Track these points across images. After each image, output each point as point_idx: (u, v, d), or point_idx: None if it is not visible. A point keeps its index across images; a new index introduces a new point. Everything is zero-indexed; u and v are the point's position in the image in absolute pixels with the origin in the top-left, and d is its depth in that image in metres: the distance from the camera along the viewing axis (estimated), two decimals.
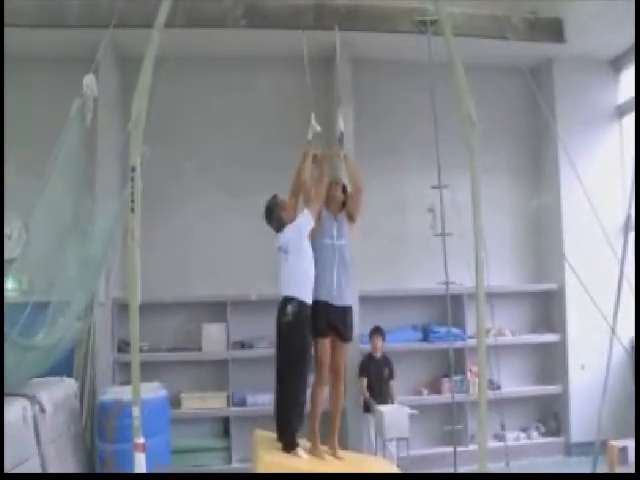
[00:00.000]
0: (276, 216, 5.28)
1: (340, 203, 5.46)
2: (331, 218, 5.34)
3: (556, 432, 8.42)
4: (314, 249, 5.15)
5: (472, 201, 4.23)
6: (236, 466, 7.56)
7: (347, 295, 5.22)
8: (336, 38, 5.87)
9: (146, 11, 4.93)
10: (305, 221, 5.11)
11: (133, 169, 4.29)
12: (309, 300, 5.06)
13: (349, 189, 5.52)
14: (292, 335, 5.00)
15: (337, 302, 5.12)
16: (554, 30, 8.14)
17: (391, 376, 7.45)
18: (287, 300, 5.03)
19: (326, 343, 5.10)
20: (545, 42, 8.18)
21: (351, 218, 5.46)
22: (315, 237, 5.19)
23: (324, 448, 5.24)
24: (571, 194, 7.95)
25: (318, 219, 5.21)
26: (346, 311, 5.23)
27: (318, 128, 5.43)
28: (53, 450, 5.14)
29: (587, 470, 5.77)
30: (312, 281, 5.07)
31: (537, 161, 8.98)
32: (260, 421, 6.40)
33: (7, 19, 7.06)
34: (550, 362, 8.65)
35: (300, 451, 4.93)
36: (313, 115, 5.28)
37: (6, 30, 7.12)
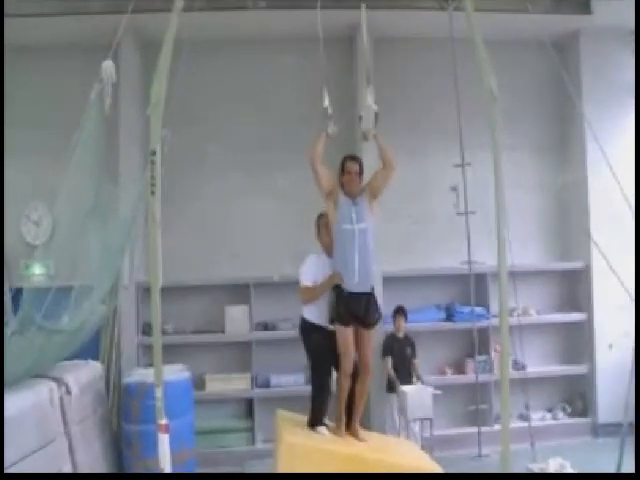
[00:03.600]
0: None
1: (358, 183, 5.08)
2: (349, 202, 4.98)
3: (583, 413, 8.34)
4: (335, 235, 5.00)
5: (494, 177, 4.15)
6: (259, 447, 7.62)
7: (369, 281, 4.97)
8: (362, 16, 5.63)
9: None
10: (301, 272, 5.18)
11: (154, 152, 4.29)
12: (313, 320, 5.14)
13: (381, 166, 5.16)
14: (304, 342, 5.23)
15: (358, 289, 4.92)
16: (579, 1, 7.94)
17: (414, 355, 7.43)
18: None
19: (347, 331, 4.89)
20: (570, 14, 7.99)
21: (374, 195, 5.11)
22: (334, 223, 5.00)
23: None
24: (597, 171, 7.78)
25: (335, 205, 4.98)
26: (369, 298, 5.00)
27: (330, 109, 5.13)
28: (79, 431, 5.22)
29: (614, 451, 5.72)
30: (317, 307, 5.12)
31: (562, 138, 8.81)
32: (284, 402, 6.42)
33: (29, 9, 7.18)
34: (576, 341, 8.55)
35: (322, 429, 4.92)
36: (325, 91, 5.10)
37: (29, 20, 7.22)
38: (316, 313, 5.12)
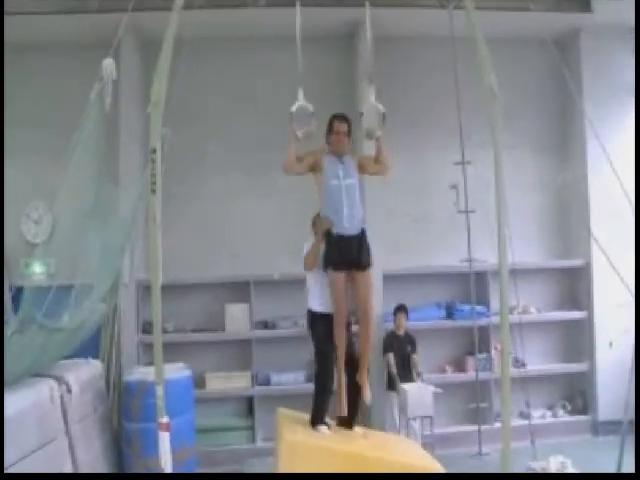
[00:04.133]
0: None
1: (346, 143, 5.01)
2: (335, 161, 4.96)
3: (583, 410, 8.34)
4: (322, 191, 4.95)
5: (495, 176, 4.15)
6: (260, 445, 7.61)
7: (358, 225, 4.91)
8: (367, 16, 5.60)
9: None
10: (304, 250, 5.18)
11: (153, 151, 4.29)
12: (316, 308, 5.10)
13: (377, 166, 5.14)
14: (310, 334, 5.20)
15: (349, 232, 4.85)
16: None
17: (413, 351, 7.43)
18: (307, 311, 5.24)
19: (338, 276, 4.83)
20: (571, 12, 7.97)
21: (360, 171, 5.09)
22: (321, 181, 4.95)
23: (359, 429, 5.23)
24: (598, 169, 7.80)
25: (320, 168, 4.93)
26: (360, 240, 4.92)
27: (310, 107, 4.96)
28: (80, 430, 5.23)
29: (615, 449, 5.72)
30: (320, 293, 5.09)
31: (563, 136, 8.81)
32: (284, 400, 6.42)
33: (29, 8, 7.18)
34: (576, 339, 8.55)
35: (323, 428, 4.91)
36: (301, 91, 5.07)
37: (29, 18, 7.22)
38: (320, 300, 5.08)
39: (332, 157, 4.98)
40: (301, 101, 5.00)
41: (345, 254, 4.84)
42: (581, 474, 4.85)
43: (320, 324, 5.04)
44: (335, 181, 4.87)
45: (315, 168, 4.98)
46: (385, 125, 5.10)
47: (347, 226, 4.84)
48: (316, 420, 4.95)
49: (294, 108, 4.98)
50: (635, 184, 6.80)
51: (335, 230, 4.84)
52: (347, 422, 5.08)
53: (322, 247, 5.01)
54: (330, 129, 5.03)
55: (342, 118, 5.06)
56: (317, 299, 5.11)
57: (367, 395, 5.02)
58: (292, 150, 4.93)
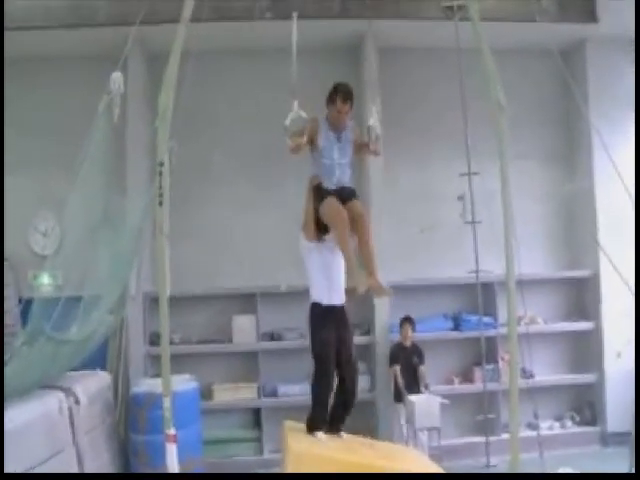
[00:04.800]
0: None
1: (346, 120, 4.86)
2: (332, 139, 4.83)
3: (591, 421, 8.29)
4: (315, 161, 4.90)
5: (502, 187, 4.15)
6: (267, 457, 7.60)
7: (348, 182, 4.91)
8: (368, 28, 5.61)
9: (173, 7, 4.96)
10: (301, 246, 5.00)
11: (161, 163, 4.31)
12: (323, 300, 4.85)
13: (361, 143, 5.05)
14: (310, 332, 4.97)
15: (338, 186, 4.84)
16: (586, 9, 7.95)
17: (420, 362, 7.41)
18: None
19: (333, 198, 4.73)
20: (576, 23, 7.99)
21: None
22: (314, 155, 4.89)
23: (360, 438, 5.17)
24: (605, 179, 7.79)
25: (315, 141, 4.80)
26: (348, 189, 4.90)
27: (303, 115, 4.84)
28: (88, 441, 5.23)
29: (624, 461, 5.69)
30: (323, 283, 4.87)
31: (569, 146, 8.81)
32: (291, 412, 6.38)
33: (38, 22, 7.25)
34: (584, 350, 8.52)
35: (319, 434, 4.84)
36: (296, 103, 5.04)
37: (37, 32, 7.29)
38: (323, 289, 4.84)
39: (330, 132, 4.84)
40: (295, 112, 4.87)
41: (336, 195, 4.79)
42: (581, 474, 4.80)
43: (322, 320, 4.81)
44: (329, 160, 4.85)
45: (313, 139, 4.82)
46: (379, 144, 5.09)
47: (336, 183, 4.86)
48: (313, 426, 4.83)
49: (288, 121, 4.85)
50: (635, 192, 6.77)
51: (326, 185, 4.85)
52: (335, 426, 4.94)
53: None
54: (332, 101, 4.80)
55: (346, 95, 4.78)
56: (319, 288, 4.84)
57: (387, 290, 4.90)
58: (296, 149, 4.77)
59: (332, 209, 4.71)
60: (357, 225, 4.79)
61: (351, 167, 4.98)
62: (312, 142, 4.83)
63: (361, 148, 5.10)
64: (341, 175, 4.89)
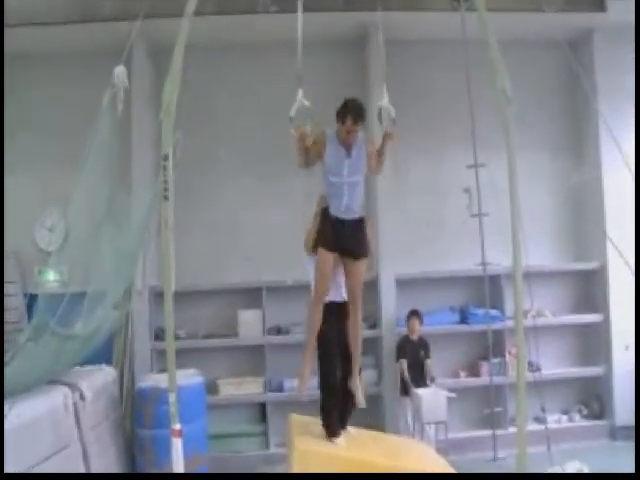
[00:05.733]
0: None
1: (355, 137, 4.61)
2: (342, 154, 4.60)
3: (599, 415, 8.25)
4: (324, 179, 4.72)
5: (509, 179, 4.11)
6: (273, 451, 7.60)
7: (358, 211, 4.70)
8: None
9: (177, 1, 4.93)
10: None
11: (165, 157, 4.28)
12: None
13: (375, 163, 4.82)
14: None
15: (346, 216, 4.65)
16: None
17: (427, 356, 7.38)
18: None
19: (328, 256, 4.61)
20: (584, 12, 7.91)
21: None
22: (322, 172, 4.72)
23: (366, 432, 5.13)
24: (613, 170, 7.74)
25: (323, 155, 4.63)
26: (357, 226, 4.71)
27: (306, 103, 4.80)
28: (93, 436, 5.23)
29: (632, 454, 5.64)
30: None
31: (577, 137, 8.74)
32: (297, 406, 6.34)
33: (43, 18, 7.22)
34: (592, 343, 8.47)
35: (339, 440, 4.80)
36: (300, 91, 4.97)
37: (39, 28, 7.26)
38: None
39: (339, 147, 4.61)
40: (299, 102, 4.82)
41: (339, 237, 4.65)
42: (581, 474, 4.77)
43: (324, 316, 4.79)
44: (337, 178, 4.60)
45: (320, 154, 4.69)
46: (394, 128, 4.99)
47: (344, 210, 4.66)
48: (331, 431, 4.79)
49: (293, 112, 4.81)
50: (635, 186, 6.71)
51: (333, 211, 4.68)
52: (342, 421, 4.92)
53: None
54: (341, 118, 4.57)
55: (357, 116, 4.54)
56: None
57: (361, 401, 4.84)
58: (300, 152, 4.72)
59: (321, 272, 4.65)
60: (350, 303, 4.80)
61: (364, 187, 4.78)
62: (320, 155, 4.69)
63: (372, 158, 4.80)
64: (350, 198, 4.63)
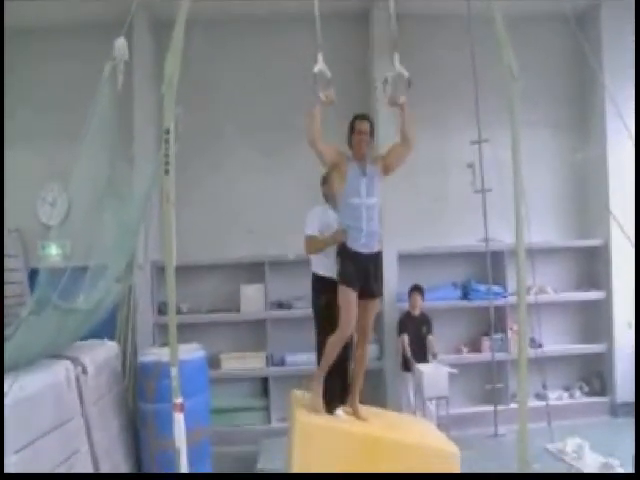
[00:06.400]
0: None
1: (368, 143, 4.76)
2: (358, 173, 4.67)
3: (600, 392, 8.29)
4: (342, 203, 4.73)
5: (512, 155, 4.07)
6: (275, 425, 7.67)
7: (376, 243, 4.71)
8: None
9: None
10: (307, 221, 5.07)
11: (167, 131, 4.25)
12: (322, 272, 4.97)
13: (398, 141, 4.82)
14: (313, 302, 5.10)
15: (365, 250, 4.63)
16: None
17: (429, 331, 7.39)
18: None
19: (352, 295, 4.56)
20: None
21: (387, 171, 4.79)
22: (341, 197, 4.72)
23: (368, 407, 5.16)
24: (618, 147, 7.69)
25: (342, 177, 4.68)
26: (376, 261, 4.71)
27: (328, 73, 4.66)
28: (96, 410, 5.24)
29: (633, 431, 5.67)
30: (325, 261, 4.93)
31: (582, 113, 8.65)
32: (299, 381, 6.42)
33: None
34: (594, 320, 8.47)
35: (339, 412, 4.86)
36: (320, 55, 4.85)
37: (41, 2, 7.19)
38: (328, 265, 4.87)
39: (355, 166, 4.69)
40: (321, 64, 4.73)
41: (360, 271, 4.62)
42: (581, 474, 4.80)
43: (326, 293, 4.84)
44: (356, 199, 4.63)
45: (336, 169, 4.74)
46: (409, 90, 4.86)
47: (364, 242, 4.63)
48: (331, 404, 4.82)
49: (316, 69, 4.71)
50: (635, 188, 6.66)
51: (351, 245, 4.63)
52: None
53: (332, 253, 4.82)
54: (352, 129, 4.79)
55: (362, 117, 4.84)
56: (325, 263, 4.91)
57: (363, 417, 4.86)
58: (317, 120, 4.64)
59: (348, 313, 4.58)
60: (360, 337, 4.82)
61: (379, 216, 4.77)
62: (335, 169, 4.74)
63: (392, 153, 4.83)
64: (369, 225, 4.62)
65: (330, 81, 4.72)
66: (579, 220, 8.66)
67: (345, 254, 4.65)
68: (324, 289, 4.91)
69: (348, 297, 4.59)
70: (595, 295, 8.32)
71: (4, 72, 7.25)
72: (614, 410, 8.09)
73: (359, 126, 4.77)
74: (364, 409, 4.99)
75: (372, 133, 4.83)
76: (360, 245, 4.62)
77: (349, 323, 4.60)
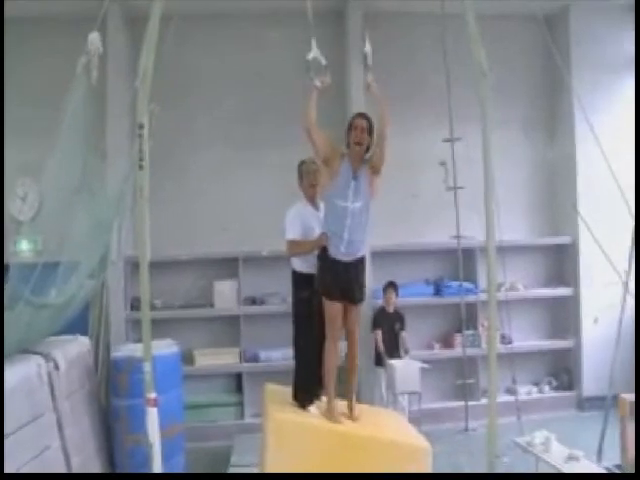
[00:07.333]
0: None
1: (365, 141, 4.62)
2: (349, 175, 4.56)
3: (568, 386, 8.46)
4: (325, 207, 4.71)
5: (483, 153, 4.14)
6: (249, 421, 7.69)
7: (358, 250, 4.61)
8: None
9: None
10: (287, 223, 4.94)
11: (141, 126, 4.24)
12: (300, 268, 4.92)
13: (382, 130, 4.65)
14: (293, 298, 5.07)
15: (345, 259, 4.54)
16: None
17: (402, 328, 7.47)
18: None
19: (335, 307, 4.56)
20: None
21: (375, 171, 4.67)
22: (327, 196, 4.65)
23: (342, 403, 5.18)
24: (586, 146, 7.82)
25: (334, 174, 4.57)
26: (357, 268, 4.63)
27: (323, 60, 4.67)
28: (68, 406, 5.22)
29: (599, 425, 5.80)
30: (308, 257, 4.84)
31: (552, 113, 8.80)
32: (273, 376, 6.40)
33: None
34: (563, 316, 8.63)
35: (312, 408, 4.86)
36: (314, 41, 4.85)
37: None
38: (308, 262, 4.82)
39: (348, 167, 4.58)
40: (315, 51, 4.71)
41: (340, 281, 4.55)
42: (580, 474, 4.90)
43: (304, 289, 4.81)
44: (342, 202, 4.52)
45: (328, 164, 4.64)
46: (371, 65, 4.88)
47: (343, 251, 4.54)
48: (303, 400, 4.82)
49: (310, 56, 4.70)
50: (635, 184, 6.77)
51: (331, 252, 4.55)
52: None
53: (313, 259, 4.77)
54: (350, 125, 4.67)
55: (361, 115, 4.72)
56: (304, 260, 4.85)
57: (355, 417, 4.82)
58: (313, 106, 4.56)
59: (332, 324, 4.59)
60: (348, 338, 4.83)
61: (367, 219, 4.65)
62: (327, 164, 4.64)
63: (377, 141, 4.68)
64: (351, 232, 4.51)
65: (326, 67, 4.71)
66: (548, 218, 8.81)
67: (325, 261, 4.60)
68: (304, 286, 4.87)
69: (330, 308, 4.59)
70: (563, 292, 8.48)
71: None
72: (580, 404, 8.26)
73: (357, 123, 4.65)
74: (358, 407, 4.96)
75: (371, 132, 4.70)
76: (341, 254, 4.56)
77: (335, 332, 4.64)
